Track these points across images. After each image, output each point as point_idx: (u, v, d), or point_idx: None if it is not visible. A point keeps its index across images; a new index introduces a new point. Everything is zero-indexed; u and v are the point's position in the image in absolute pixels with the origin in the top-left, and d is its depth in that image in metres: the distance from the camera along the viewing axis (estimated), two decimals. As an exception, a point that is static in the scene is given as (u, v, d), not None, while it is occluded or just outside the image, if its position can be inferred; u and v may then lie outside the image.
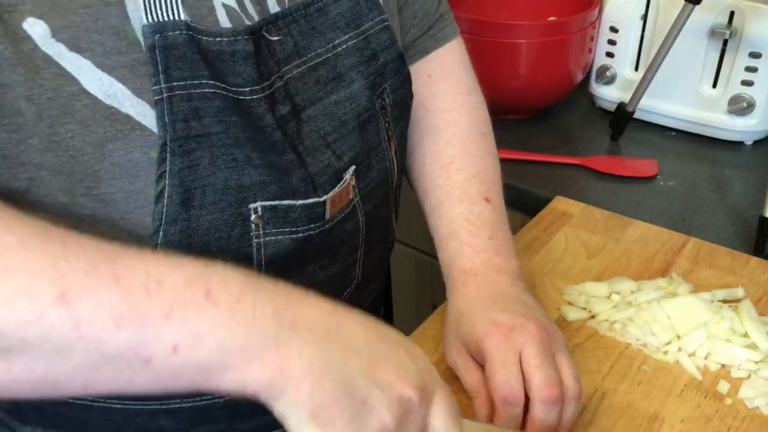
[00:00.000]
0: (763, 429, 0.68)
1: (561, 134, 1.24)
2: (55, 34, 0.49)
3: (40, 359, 0.39)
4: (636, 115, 1.19)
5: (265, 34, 0.58)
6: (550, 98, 1.27)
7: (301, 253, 0.61)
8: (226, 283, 0.43)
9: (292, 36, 0.60)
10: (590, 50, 1.24)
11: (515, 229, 0.95)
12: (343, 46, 0.64)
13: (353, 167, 0.64)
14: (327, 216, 0.62)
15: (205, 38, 0.54)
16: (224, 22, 0.56)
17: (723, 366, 0.74)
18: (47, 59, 0.49)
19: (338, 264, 0.67)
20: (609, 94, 1.26)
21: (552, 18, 1.29)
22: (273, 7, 0.60)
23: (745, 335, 0.75)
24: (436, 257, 0.80)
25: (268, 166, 0.57)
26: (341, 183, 0.63)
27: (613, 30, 1.22)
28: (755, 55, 1.10)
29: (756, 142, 1.19)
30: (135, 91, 0.52)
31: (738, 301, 0.81)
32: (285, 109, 0.59)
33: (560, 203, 1.00)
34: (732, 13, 1.10)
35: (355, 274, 0.70)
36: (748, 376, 0.73)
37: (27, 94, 0.49)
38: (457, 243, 0.75)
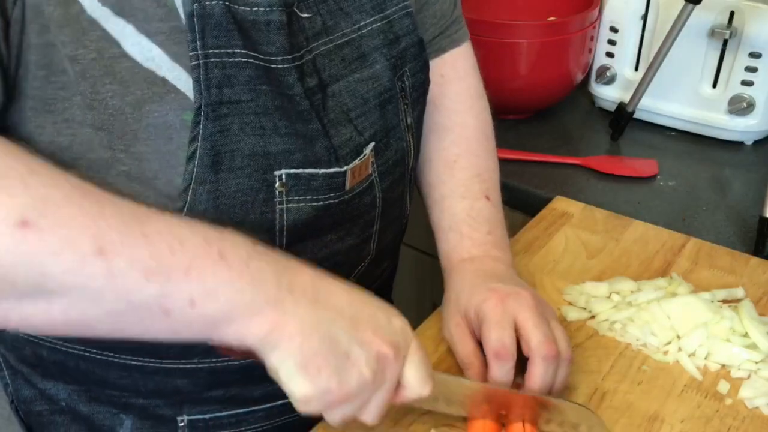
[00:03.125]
0: (763, 429, 0.68)
1: (561, 134, 1.24)
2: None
3: (77, 303, 0.44)
4: (636, 115, 1.19)
5: (296, 10, 0.62)
6: (550, 98, 1.27)
7: (320, 221, 0.65)
8: (236, 247, 0.49)
9: (321, 15, 0.64)
10: (590, 50, 1.24)
11: (515, 229, 0.95)
12: (368, 28, 0.68)
13: (373, 143, 0.68)
14: (347, 186, 0.66)
15: (242, 8, 0.57)
16: None
17: (723, 366, 0.74)
18: (93, 23, 0.53)
19: (354, 236, 0.70)
20: (609, 94, 1.26)
21: (552, 18, 1.29)
22: None
23: (745, 335, 0.75)
24: (436, 257, 0.81)
25: (293, 134, 0.61)
26: (361, 157, 0.67)
27: (613, 30, 1.22)
28: (755, 55, 1.10)
29: (756, 142, 1.19)
30: (172, 56, 0.55)
31: (738, 301, 0.81)
32: (312, 81, 0.63)
33: (560, 203, 1.00)
34: (732, 13, 1.10)
35: (369, 249, 0.74)
36: (748, 376, 0.73)
37: (72, 54, 0.53)
38: (458, 236, 0.78)
